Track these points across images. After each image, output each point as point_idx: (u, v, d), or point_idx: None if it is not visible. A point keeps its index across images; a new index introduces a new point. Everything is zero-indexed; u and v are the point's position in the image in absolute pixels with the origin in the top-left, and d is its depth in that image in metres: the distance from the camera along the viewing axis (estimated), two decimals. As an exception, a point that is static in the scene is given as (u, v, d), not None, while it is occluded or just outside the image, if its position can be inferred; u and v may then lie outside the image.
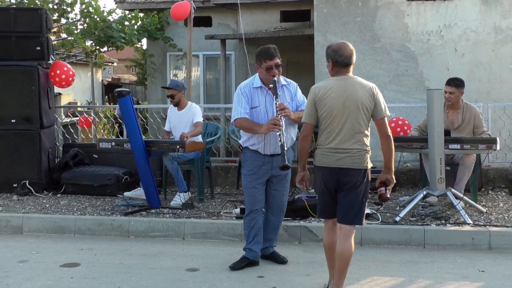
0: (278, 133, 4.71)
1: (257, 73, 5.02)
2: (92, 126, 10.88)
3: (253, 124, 4.89)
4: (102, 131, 12.43)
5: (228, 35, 12.78)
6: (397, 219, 6.16)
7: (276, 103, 4.79)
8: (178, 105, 7.40)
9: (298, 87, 5.13)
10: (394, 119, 7.70)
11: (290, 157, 5.18)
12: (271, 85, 4.88)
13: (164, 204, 7.17)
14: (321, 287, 4.62)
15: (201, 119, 7.37)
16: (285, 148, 4.68)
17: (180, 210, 6.88)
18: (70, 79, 8.40)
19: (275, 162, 4.97)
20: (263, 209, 5.17)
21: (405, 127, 7.52)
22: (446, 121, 6.69)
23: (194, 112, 7.37)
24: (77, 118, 12.49)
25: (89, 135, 11.09)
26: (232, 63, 13.69)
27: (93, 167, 8.32)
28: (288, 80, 5.11)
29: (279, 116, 4.72)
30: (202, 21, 13.18)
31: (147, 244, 6.04)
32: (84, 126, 11.20)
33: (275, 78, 4.85)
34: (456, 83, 6.86)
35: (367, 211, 6.42)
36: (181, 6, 8.68)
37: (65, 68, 8.34)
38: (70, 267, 5.25)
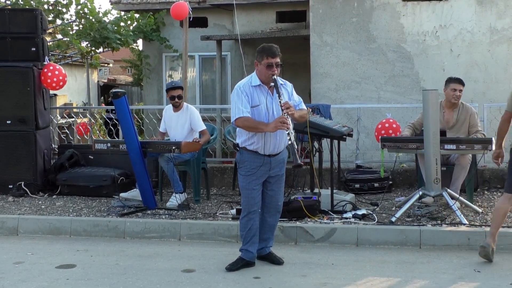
0: (287, 132, 4.71)
1: (254, 73, 5.01)
2: (88, 127, 10.85)
3: (257, 123, 4.85)
4: (98, 132, 12.41)
5: (224, 36, 12.78)
6: (393, 219, 6.16)
7: (280, 102, 4.79)
8: (179, 105, 7.38)
9: (293, 87, 5.14)
10: (391, 120, 7.71)
11: (286, 156, 5.19)
12: (272, 84, 4.88)
13: (160, 205, 7.16)
14: (317, 288, 4.62)
15: (204, 126, 7.38)
16: (295, 147, 4.71)
17: (176, 211, 6.87)
18: (61, 82, 8.31)
19: (273, 162, 4.98)
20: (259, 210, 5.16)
21: (394, 131, 7.55)
22: (442, 121, 6.70)
23: (193, 116, 7.34)
24: (73, 119, 12.45)
25: (85, 136, 11.07)
26: (228, 64, 13.69)
27: (88, 168, 8.30)
28: (284, 80, 5.12)
29: (285, 114, 4.72)
30: (198, 22, 13.17)
31: (143, 245, 6.03)
32: (82, 132, 11.11)
33: (275, 77, 4.85)
34: (462, 81, 6.92)
35: (362, 211, 6.44)
36: (180, 6, 8.73)
37: (57, 72, 8.20)
38: (66, 268, 5.24)
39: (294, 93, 5.12)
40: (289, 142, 4.72)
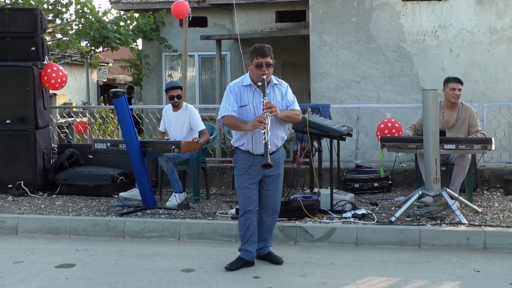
0: (263, 131, 4.72)
1: (248, 73, 5.02)
2: (87, 126, 10.84)
3: (239, 121, 4.89)
4: (97, 131, 12.40)
5: (224, 36, 12.77)
6: (393, 219, 6.16)
7: (263, 101, 4.79)
8: (178, 105, 7.39)
9: (288, 87, 5.14)
10: (393, 120, 7.70)
11: (282, 156, 5.18)
12: (259, 83, 4.88)
13: (160, 205, 7.16)
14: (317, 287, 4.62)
15: (204, 126, 7.38)
16: (268, 147, 4.71)
17: (175, 211, 6.87)
18: (64, 83, 8.31)
19: (267, 162, 4.98)
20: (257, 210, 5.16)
21: (397, 130, 7.55)
22: (442, 121, 6.70)
23: (192, 115, 7.34)
24: (73, 118, 12.44)
25: (85, 136, 11.05)
26: (227, 64, 13.68)
27: (88, 167, 8.30)
28: (280, 80, 5.12)
29: (265, 114, 4.72)
30: (198, 22, 13.17)
31: (142, 244, 6.03)
32: (81, 130, 11.10)
33: (265, 77, 4.84)
34: (461, 80, 6.93)
35: (362, 211, 6.44)
36: (180, 4, 8.75)
37: (60, 73, 8.19)
38: (66, 268, 5.24)
39: (289, 93, 5.10)
40: (264, 142, 4.73)
